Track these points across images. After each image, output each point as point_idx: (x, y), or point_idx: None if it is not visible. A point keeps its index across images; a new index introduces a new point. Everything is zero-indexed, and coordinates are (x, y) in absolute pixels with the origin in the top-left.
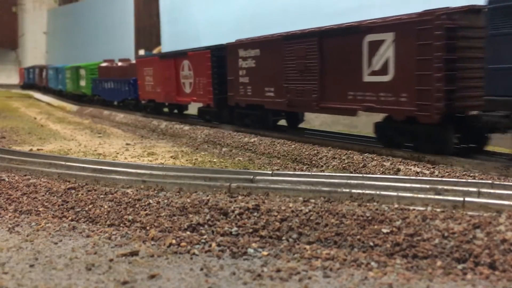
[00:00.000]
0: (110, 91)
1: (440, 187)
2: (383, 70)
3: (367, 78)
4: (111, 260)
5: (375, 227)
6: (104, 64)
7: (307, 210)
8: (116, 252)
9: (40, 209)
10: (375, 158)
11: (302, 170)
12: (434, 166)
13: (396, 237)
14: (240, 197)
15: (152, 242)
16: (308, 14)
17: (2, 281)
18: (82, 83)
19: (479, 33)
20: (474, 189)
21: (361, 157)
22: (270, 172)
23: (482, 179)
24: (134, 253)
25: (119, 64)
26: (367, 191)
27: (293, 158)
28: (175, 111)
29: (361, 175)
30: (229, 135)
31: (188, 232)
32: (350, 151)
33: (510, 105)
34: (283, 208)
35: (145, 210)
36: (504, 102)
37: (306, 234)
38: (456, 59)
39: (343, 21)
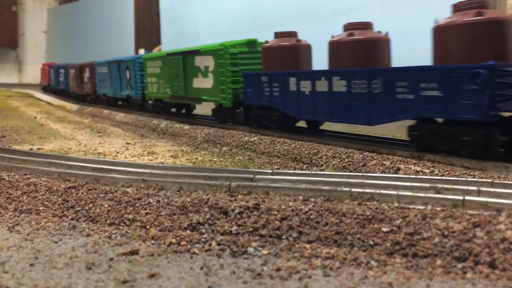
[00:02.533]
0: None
1: (440, 186)
2: None
3: None
4: (111, 259)
5: (375, 226)
6: (284, 43)
7: (307, 209)
8: (116, 251)
9: (40, 208)
10: (375, 157)
11: (302, 169)
12: (434, 165)
13: (396, 236)
14: (240, 196)
15: (152, 241)
16: (308, 14)
17: (2, 280)
18: (201, 82)
19: None
20: (474, 188)
21: (361, 156)
22: (270, 171)
23: (482, 178)
24: (134, 252)
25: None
26: (367, 190)
27: (293, 157)
28: None
29: (361, 174)
30: (229, 134)
31: (188, 231)
32: (350, 150)
33: None
34: (283, 207)
35: (145, 209)
36: None
37: (306, 233)
38: None
39: (343, 21)
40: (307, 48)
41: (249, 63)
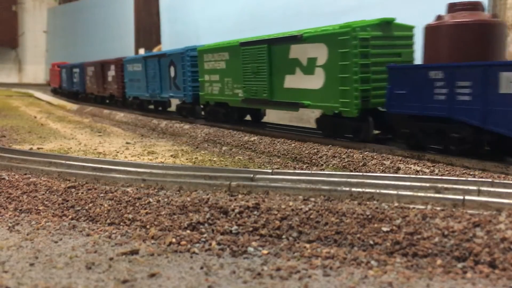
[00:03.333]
0: None
1: (440, 185)
2: None
3: None
4: (111, 259)
5: (375, 225)
6: None
7: (307, 209)
8: (116, 251)
9: (40, 208)
10: (375, 157)
11: (302, 169)
12: (434, 164)
13: (396, 235)
14: (240, 196)
15: (152, 241)
16: (308, 13)
17: (2, 280)
18: (300, 81)
19: None
20: (474, 188)
21: (361, 155)
22: (270, 170)
23: (482, 177)
24: (134, 252)
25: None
26: (367, 190)
27: (293, 157)
28: None
29: (361, 173)
30: (229, 134)
31: (188, 231)
32: (350, 149)
33: None
34: (283, 206)
35: (145, 208)
36: None
37: (306, 232)
38: None
39: (343, 20)
40: (503, 27)
41: (383, 54)
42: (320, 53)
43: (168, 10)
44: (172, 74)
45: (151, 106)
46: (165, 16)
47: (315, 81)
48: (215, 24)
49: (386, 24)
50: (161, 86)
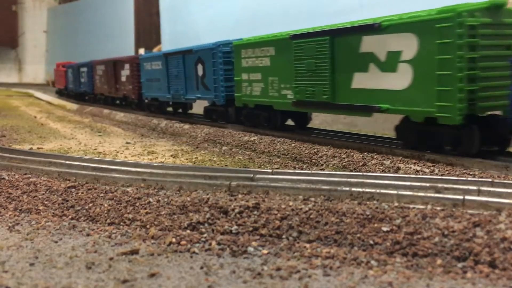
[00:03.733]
0: None
1: (440, 185)
2: None
3: None
4: (111, 259)
5: (375, 225)
6: None
7: (307, 209)
8: (116, 251)
9: (40, 208)
10: (375, 157)
11: (302, 169)
12: (434, 164)
13: (396, 235)
14: (240, 196)
15: (152, 241)
16: (308, 13)
17: (2, 280)
18: (375, 79)
19: None
20: (474, 188)
21: (361, 155)
22: (270, 170)
23: (482, 177)
24: (134, 252)
25: None
26: (367, 190)
27: (293, 157)
28: None
29: (361, 173)
30: (229, 134)
31: (188, 231)
32: (350, 149)
33: None
34: (283, 206)
35: (145, 208)
36: None
37: (306, 232)
38: None
39: (343, 20)
40: None
41: (492, 45)
42: (407, 45)
43: (168, 10)
44: (200, 72)
45: (169, 108)
46: (165, 16)
47: (398, 80)
48: (215, 24)
49: (496, 9)
50: (186, 86)
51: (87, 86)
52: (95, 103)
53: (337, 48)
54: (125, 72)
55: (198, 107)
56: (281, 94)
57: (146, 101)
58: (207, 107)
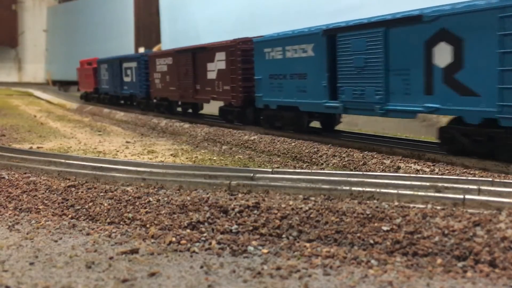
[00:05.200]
0: None
1: (440, 184)
2: None
3: None
4: (111, 258)
5: (375, 224)
6: None
7: (307, 208)
8: (116, 250)
9: (40, 207)
10: (375, 156)
11: (302, 168)
12: (434, 163)
13: (396, 234)
14: (240, 195)
15: (152, 240)
16: (308, 12)
17: (2, 279)
18: None
19: None
20: (474, 187)
21: (361, 155)
22: (270, 170)
23: (482, 176)
24: (134, 251)
25: None
26: (367, 189)
27: (293, 156)
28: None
29: (361, 173)
30: (229, 133)
31: (188, 230)
32: (350, 149)
33: None
34: (283, 206)
35: (145, 208)
36: None
37: (306, 232)
38: None
39: (343, 19)
40: None
41: None
42: None
43: (168, 9)
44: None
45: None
46: (165, 15)
47: None
48: (215, 23)
49: None
50: (387, 86)
51: (136, 88)
52: (152, 111)
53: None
54: (219, 66)
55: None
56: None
57: (266, 110)
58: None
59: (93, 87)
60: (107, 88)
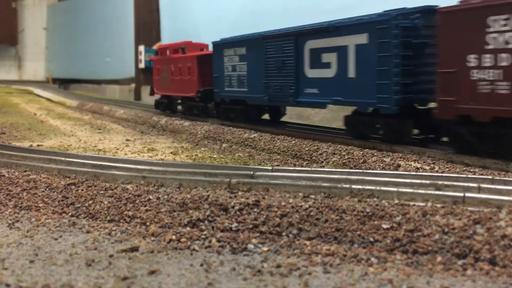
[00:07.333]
0: None
1: (440, 182)
2: None
3: None
4: (111, 256)
5: (375, 222)
6: None
7: (307, 206)
8: (116, 248)
9: (40, 205)
10: (375, 154)
11: (302, 166)
12: (434, 161)
13: (396, 232)
14: (240, 193)
15: (152, 238)
16: (308, 11)
17: (2, 277)
18: None
19: None
20: (475, 185)
21: (361, 153)
22: (270, 167)
23: (482, 174)
24: (134, 249)
25: None
26: (367, 187)
27: (293, 154)
28: None
29: (361, 170)
30: (229, 131)
31: (188, 228)
32: (350, 147)
33: None
34: (283, 203)
35: (145, 206)
36: None
37: (306, 229)
38: None
39: (343, 17)
40: None
41: None
42: None
43: (168, 6)
44: None
45: None
46: (165, 13)
47: None
48: (215, 20)
49: None
50: None
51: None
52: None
53: None
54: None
55: None
56: None
57: None
58: None
59: (195, 90)
60: (239, 91)
